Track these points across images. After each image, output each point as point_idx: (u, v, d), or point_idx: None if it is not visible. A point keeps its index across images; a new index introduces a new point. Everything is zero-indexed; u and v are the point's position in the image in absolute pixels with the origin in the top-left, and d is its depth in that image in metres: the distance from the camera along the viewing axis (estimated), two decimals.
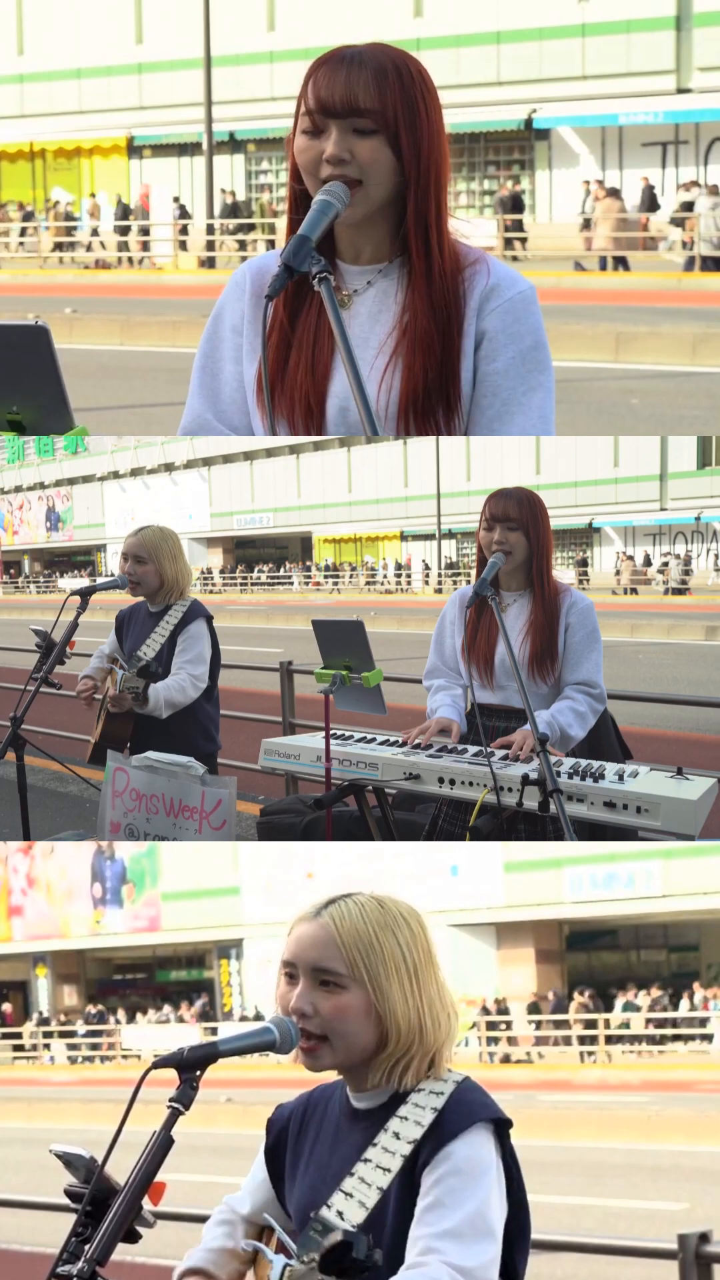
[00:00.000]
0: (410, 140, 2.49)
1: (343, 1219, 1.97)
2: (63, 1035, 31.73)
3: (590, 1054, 24.64)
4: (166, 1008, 32.12)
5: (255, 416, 2.70)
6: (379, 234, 2.59)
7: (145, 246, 34.92)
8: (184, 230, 33.57)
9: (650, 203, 29.99)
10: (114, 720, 5.25)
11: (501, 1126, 2.02)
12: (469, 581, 5.25)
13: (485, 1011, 26.09)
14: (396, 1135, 2.01)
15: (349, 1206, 1.99)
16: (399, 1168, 1.99)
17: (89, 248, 34.50)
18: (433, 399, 2.60)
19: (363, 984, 2.03)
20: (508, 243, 30.06)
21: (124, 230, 34.63)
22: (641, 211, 29.70)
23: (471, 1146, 1.98)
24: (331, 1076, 2.15)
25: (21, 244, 34.88)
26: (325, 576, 55.62)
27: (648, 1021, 25.05)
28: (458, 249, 2.62)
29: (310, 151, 2.49)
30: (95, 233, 35.15)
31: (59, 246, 34.40)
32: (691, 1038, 24.35)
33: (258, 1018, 28.56)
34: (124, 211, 35.05)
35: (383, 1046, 2.05)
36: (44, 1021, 32.93)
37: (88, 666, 5.49)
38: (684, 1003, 25.09)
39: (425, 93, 2.51)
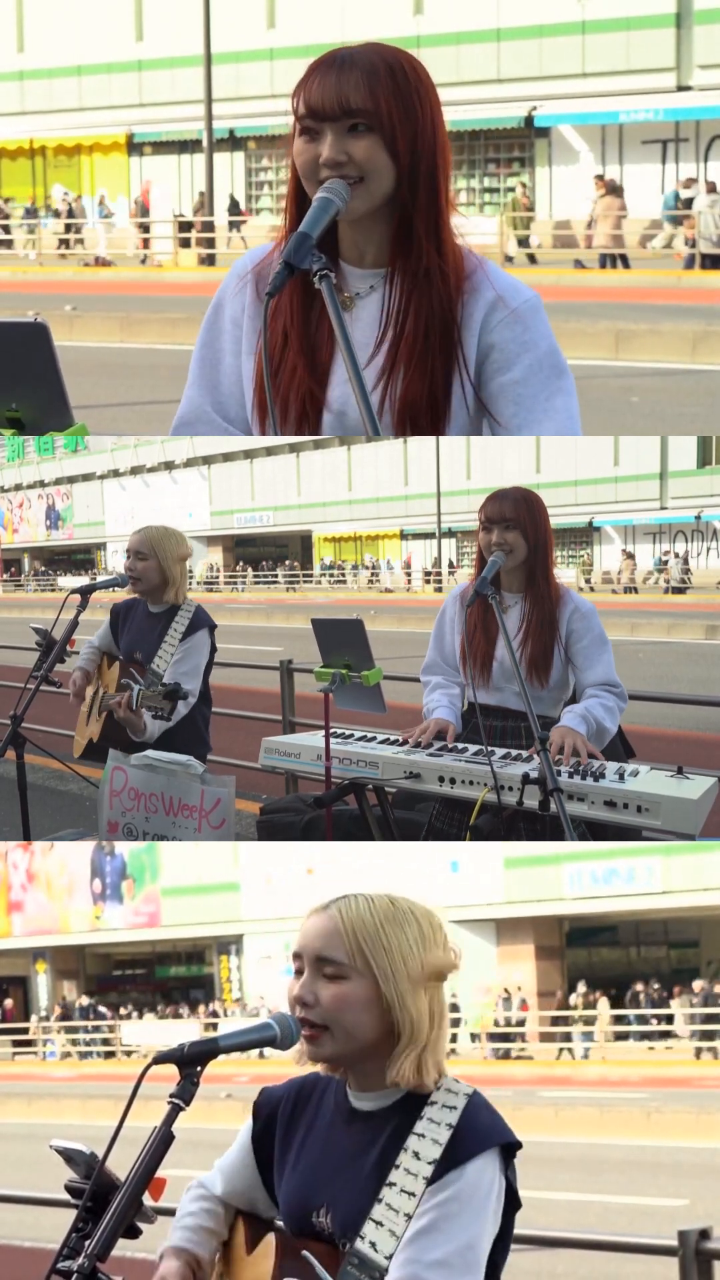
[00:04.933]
0: (405, 139, 2.45)
1: (376, 1250, 1.95)
2: (63, 1031, 31.74)
3: (590, 1050, 24.64)
4: (166, 1004, 32.13)
5: (253, 413, 2.67)
6: (382, 236, 2.55)
7: (146, 244, 34.89)
8: (207, 227, 33.19)
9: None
10: (115, 721, 5.19)
11: (509, 1150, 2.02)
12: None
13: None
14: (417, 1155, 1.99)
15: (380, 1236, 1.97)
16: (422, 1191, 1.97)
17: (80, 242, 34.48)
18: (426, 407, 2.55)
19: (366, 974, 2.02)
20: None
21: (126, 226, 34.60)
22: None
23: (478, 1172, 1.97)
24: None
25: (30, 241, 34.81)
26: (325, 575, 55.58)
27: (648, 1018, 25.05)
28: (460, 254, 2.56)
29: (307, 154, 2.47)
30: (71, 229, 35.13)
31: (64, 244, 34.37)
32: (692, 1034, 24.34)
33: (257, 1014, 28.54)
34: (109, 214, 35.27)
35: (389, 1040, 2.03)
36: (44, 1017, 32.94)
37: (79, 659, 5.41)
38: (684, 999, 25.08)
39: (421, 90, 2.46)
